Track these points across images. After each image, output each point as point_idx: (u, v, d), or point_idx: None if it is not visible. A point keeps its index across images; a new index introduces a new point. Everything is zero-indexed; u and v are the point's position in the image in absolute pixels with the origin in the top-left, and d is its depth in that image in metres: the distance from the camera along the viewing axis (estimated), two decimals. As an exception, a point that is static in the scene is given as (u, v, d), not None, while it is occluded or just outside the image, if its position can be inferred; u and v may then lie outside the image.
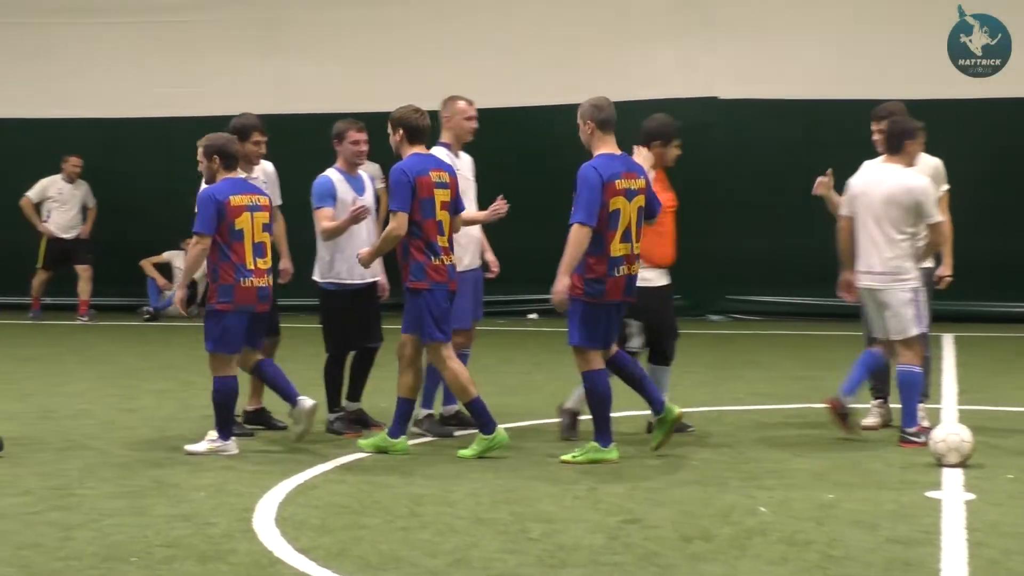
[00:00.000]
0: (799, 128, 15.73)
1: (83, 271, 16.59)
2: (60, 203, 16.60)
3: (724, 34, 16.27)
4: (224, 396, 8.32)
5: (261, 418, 9.28)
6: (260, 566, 5.91)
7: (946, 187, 9.16)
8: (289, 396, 8.52)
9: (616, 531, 6.47)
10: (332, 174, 8.97)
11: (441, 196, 8.28)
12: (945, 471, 7.71)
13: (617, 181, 7.87)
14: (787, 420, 9.51)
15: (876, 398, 9.21)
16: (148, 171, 17.18)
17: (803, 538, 6.31)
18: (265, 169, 9.27)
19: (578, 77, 15.98)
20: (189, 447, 8.39)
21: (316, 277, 9.06)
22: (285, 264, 9.33)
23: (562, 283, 7.88)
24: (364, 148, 9.05)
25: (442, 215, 8.29)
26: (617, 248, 7.91)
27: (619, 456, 8.08)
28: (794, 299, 16.00)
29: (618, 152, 8.03)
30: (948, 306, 14.85)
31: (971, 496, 7.12)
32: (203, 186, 8.47)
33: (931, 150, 9.04)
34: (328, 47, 17.33)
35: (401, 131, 8.37)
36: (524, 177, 15.95)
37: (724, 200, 16.04)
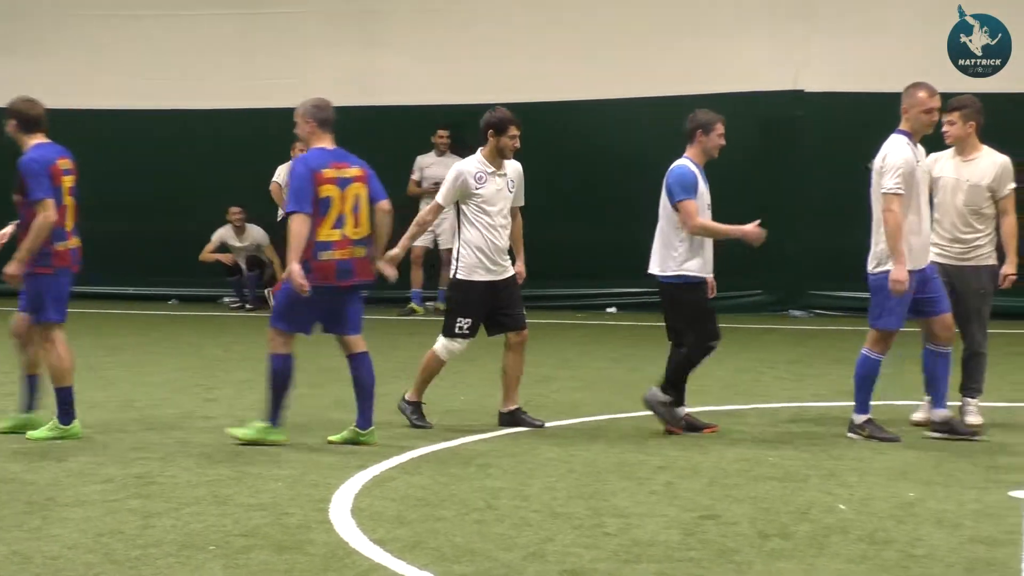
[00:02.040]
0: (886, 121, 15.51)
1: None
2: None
3: (814, 26, 16.15)
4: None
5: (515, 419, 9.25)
6: (336, 557, 5.95)
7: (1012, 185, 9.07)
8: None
9: (693, 527, 6.45)
10: None
11: (68, 183, 8.58)
12: (1030, 471, 7.63)
13: (325, 171, 8.24)
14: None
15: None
16: (244, 160, 17.32)
17: (883, 536, 6.25)
18: (514, 167, 9.25)
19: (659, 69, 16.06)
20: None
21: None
22: (520, 267, 9.42)
23: (292, 269, 8.13)
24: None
25: (68, 200, 8.56)
26: (327, 234, 8.24)
27: (287, 439, 8.40)
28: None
29: (331, 147, 8.39)
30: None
31: (1056, 496, 7.03)
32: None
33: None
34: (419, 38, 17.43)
35: (14, 122, 8.59)
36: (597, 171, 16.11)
37: (810, 194, 15.91)
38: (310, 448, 8.35)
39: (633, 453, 8.18)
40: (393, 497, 7.10)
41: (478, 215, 8.98)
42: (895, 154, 8.30)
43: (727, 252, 15.81)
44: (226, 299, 17.40)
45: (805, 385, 11.03)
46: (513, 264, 9.24)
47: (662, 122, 16.02)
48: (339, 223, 8.28)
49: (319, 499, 7.00)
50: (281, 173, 16.25)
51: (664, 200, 8.83)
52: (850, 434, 8.58)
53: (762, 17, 16.32)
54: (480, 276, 8.98)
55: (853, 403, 8.70)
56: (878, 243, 8.44)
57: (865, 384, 8.58)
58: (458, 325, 8.99)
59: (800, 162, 15.94)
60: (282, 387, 8.41)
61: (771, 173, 15.93)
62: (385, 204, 8.51)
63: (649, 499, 7.03)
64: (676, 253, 8.77)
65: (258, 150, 16.93)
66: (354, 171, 8.40)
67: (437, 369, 9.16)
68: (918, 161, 8.40)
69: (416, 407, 9.16)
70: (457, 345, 9.06)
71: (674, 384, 8.85)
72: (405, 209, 16.37)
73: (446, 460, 8.07)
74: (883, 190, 8.28)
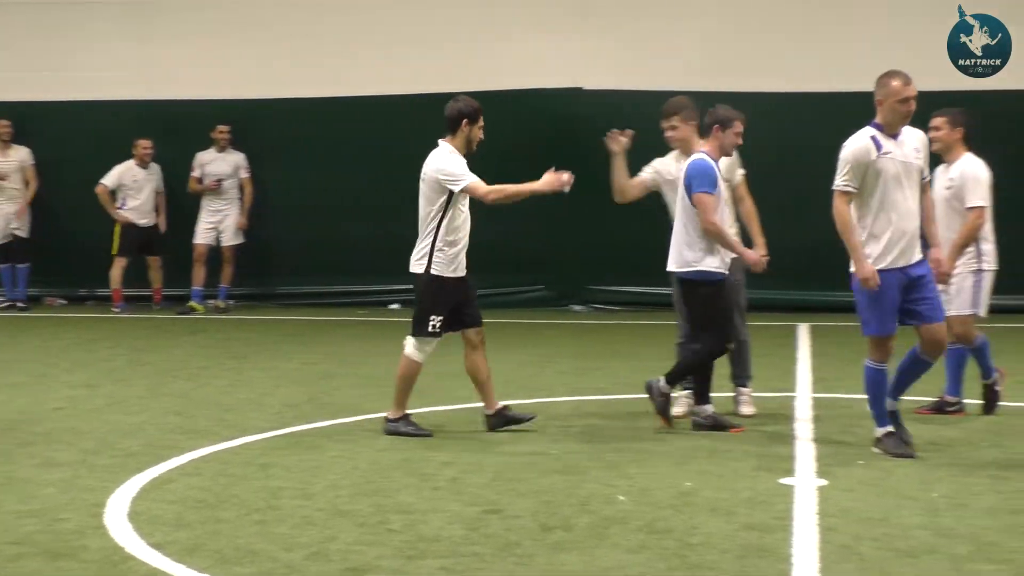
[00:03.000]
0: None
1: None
2: (135, 190, 16.24)
3: (596, 24, 16.35)
4: None
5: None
6: (111, 563, 5.79)
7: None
8: None
9: (476, 521, 6.47)
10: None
11: None
12: (799, 455, 7.86)
13: None
14: (648, 409, 9.56)
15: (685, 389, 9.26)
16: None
17: (662, 526, 6.37)
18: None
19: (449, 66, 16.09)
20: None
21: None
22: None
23: None
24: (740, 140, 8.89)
25: None
26: None
27: None
28: (657, 289, 16.13)
29: None
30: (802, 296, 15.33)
31: (823, 482, 7.25)
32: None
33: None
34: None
35: None
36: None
37: (592, 190, 16.11)
38: (85, 451, 8.11)
39: (418, 450, 8.17)
40: (172, 500, 6.93)
41: (461, 210, 8.79)
42: (846, 148, 7.79)
43: (510, 247, 16.12)
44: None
45: (586, 379, 11.18)
46: None
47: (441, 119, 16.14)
48: None
49: (94, 503, 6.79)
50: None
51: (682, 194, 8.69)
52: (873, 448, 7.99)
53: (542, 16, 16.46)
54: (456, 272, 8.76)
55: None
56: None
57: (872, 394, 8.01)
58: (431, 323, 8.63)
59: (580, 159, 16.12)
60: None
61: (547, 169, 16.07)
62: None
63: (434, 495, 7.03)
64: (696, 249, 8.67)
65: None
66: None
67: (415, 374, 8.69)
68: (886, 153, 7.72)
69: (405, 420, 8.68)
70: (429, 345, 8.70)
71: (679, 379, 8.83)
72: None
73: (227, 461, 7.92)
74: (832, 186, 7.79)
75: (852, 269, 7.77)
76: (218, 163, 16.27)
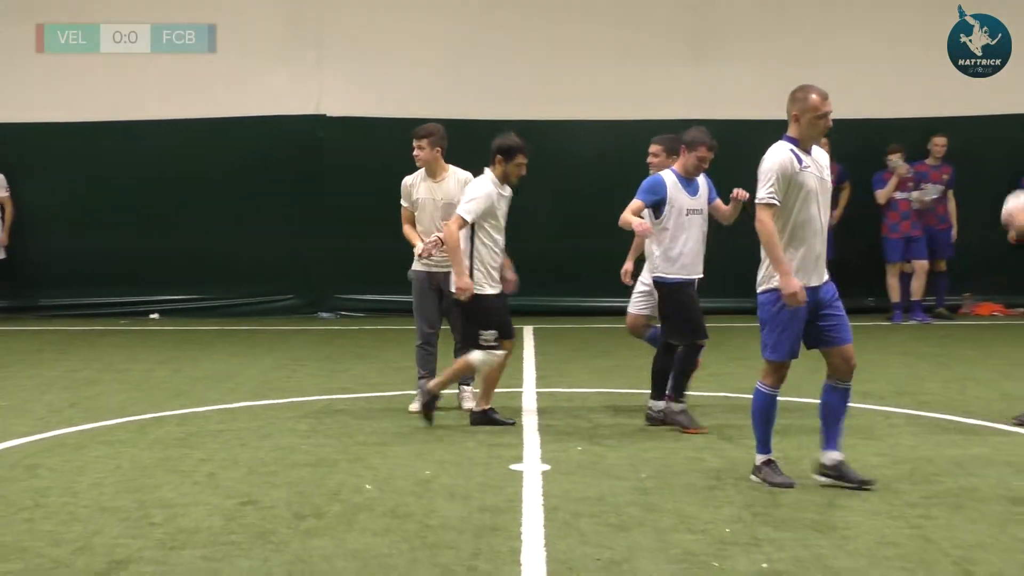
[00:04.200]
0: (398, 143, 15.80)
1: None
2: None
3: (332, 55, 16.27)
4: None
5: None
6: None
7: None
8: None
9: (234, 512, 6.38)
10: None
11: None
12: (526, 444, 8.00)
13: None
14: (390, 406, 9.61)
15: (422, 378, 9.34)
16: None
17: (404, 511, 6.40)
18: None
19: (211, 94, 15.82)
20: None
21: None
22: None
23: None
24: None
25: None
26: None
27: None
28: (396, 296, 16.18)
29: None
30: (532, 301, 15.61)
31: (547, 467, 7.39)
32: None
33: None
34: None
35: None
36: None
37: (333, 207, 16.06)
38: None
39: (177, 448, 7.99)
40: (-61, 502, 6.61)
41: (488, 231, 8.60)
42: (769, 159, 6.86)
43: (259, 261, 15.91)
44: None
45: (334, 379, 11.12)
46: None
47: (194, 143, 15.86)
48: None
49: None
50: None
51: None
52: (752, 476, 7.03)
53: (280, 48, 16.27)
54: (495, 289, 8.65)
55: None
56: (764, 259, 6.93)
57: (759, 420, 7.00)
58: (483, 337, 8.55)
59: (322, 179, 16.05)
60: None
61: (296, 188, 15.97)
62: None
63: (193, 490, 6.89)
64: (656, 256, 8.62)
65: None
66: None
67: (495, 372, 8.69)
68: (807, 167, 6.86)
69: (491, 411, 8.78)
70: (495, 355, 8.62)
71: (682, 388, 8.62)
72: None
73: (-8, 463, 7.60)
74: (756, 199, 6.87)
75: (766, 287, 6.88)
76: None
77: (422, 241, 9.21)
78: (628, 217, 8.40)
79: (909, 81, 15.77)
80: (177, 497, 6.71)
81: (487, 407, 8.80)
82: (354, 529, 6.07)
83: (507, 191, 8.73)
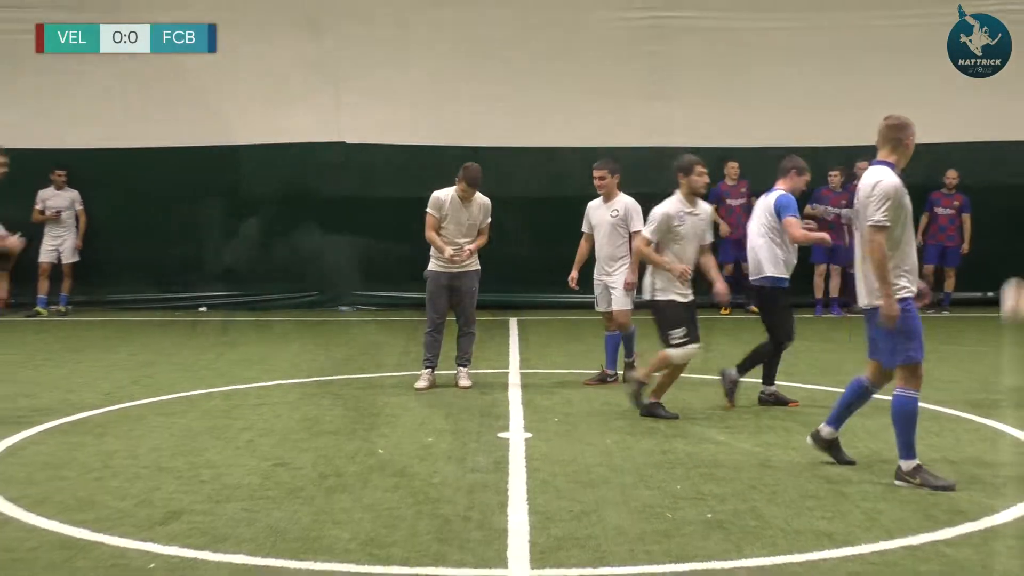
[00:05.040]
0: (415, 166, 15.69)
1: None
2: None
3: (350, 92, 16.22)
4: None
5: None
6: (-26, 515, 5.50)
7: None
8: None
9: (269, 472, 6.40)
10: None
11: None
12: (512, 415, 8.02)
13: None
14: (399, 384, 9.59)
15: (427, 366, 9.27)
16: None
17: (410, 471, 6.42)
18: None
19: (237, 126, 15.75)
20: None
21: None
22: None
23: None
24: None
25: None
26: None
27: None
28: (405, 293, 16.17)
29: None
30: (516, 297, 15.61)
31: (529, 435, 7.41)
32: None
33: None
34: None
35: None
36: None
37: (355, 221, 16.04)
38: (-52, 427, 7.64)
39: (221, 419, 7.99)
40: (23, 463, 6.61)
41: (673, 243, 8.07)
42: (884, 184, 6.11)
43: (289, 262, 15.88)
44: None
45: (352, 362, 11.08)
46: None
47: (204, 170, 15.75)
48: None
49: (-42, 469, 6.42)
50: None
51: None
52: (897, 482, 6.17)
53: (301, 86, 15.98)
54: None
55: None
56: (867, 274, 6.22)
57: (908, 425, 6.15)
58: (672, 336, 7.94)
59: (341, 196, 16.00)
60: None
61: (316, 204, 15.93)
62: None
63: (235, 453, 6.91)
64: (781, 259, 8.28)
65: None
66: None
67: (677, 372, 8.10)
68: (905, 191, 6.23)
69: (657, 405, 8.07)
70: (690, 349, 7.98)
71: (748, 368, 8.39)
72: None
73: (67, 431, 7.59)
74: (869, 222, 6.10)
75: (887, 303, 6.04)
76: (56, 199, 15.54)
77: (451, 247, 9.08)
78: (803, 234, 8.09)
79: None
80: (222, 459, 6.73)
81: (655, 400, 8.10)
82: (368, 486, 6.09)
83: (698, 206, 8.10)
